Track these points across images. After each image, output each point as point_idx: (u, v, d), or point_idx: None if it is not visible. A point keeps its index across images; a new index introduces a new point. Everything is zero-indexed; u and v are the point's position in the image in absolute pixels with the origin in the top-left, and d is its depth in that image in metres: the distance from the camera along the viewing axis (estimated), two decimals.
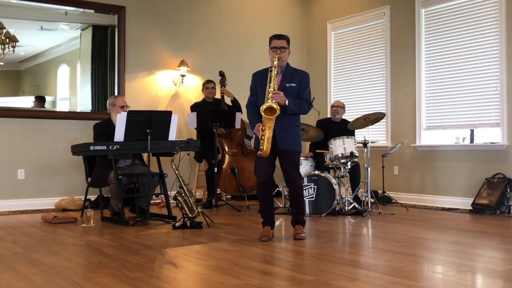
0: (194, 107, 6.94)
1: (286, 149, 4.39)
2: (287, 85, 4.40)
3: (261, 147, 4.26)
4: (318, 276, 3.19)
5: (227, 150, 6.93)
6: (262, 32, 8.15)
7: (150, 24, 7.44)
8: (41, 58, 7.03)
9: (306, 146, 7.30)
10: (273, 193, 4.88)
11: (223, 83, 7.09)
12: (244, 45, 8.16)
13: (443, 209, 6.55)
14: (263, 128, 4.25)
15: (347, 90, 8.19)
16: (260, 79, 4.47)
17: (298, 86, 4.44)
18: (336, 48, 8.43)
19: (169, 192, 5.77)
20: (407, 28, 7.30)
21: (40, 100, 6.91)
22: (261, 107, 4.21)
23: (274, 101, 4.20)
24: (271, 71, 4.32)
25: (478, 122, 6.52)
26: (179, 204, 5.02)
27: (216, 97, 7.16)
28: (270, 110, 4.19)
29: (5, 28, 6.48)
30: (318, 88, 8.44)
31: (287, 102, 4.27)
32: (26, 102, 6.88)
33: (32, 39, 6.87)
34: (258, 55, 8.02)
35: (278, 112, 4.18)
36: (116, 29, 7.17)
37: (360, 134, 6.79)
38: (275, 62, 4.32)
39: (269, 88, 4.26)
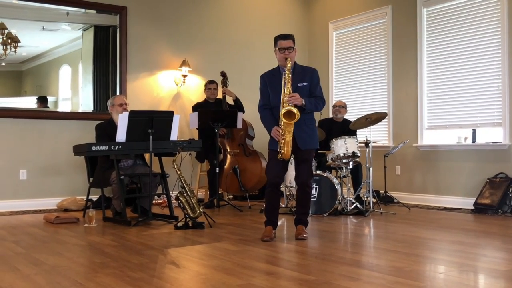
0: (196, 107, 6.94)
1: (306, 148, 4.41)
2: (299, 85, 4.38)
3: (282, 151, 4.27)
4: (320, 276, 3.18)
5: (228, 150, 6.93)
6: (264, 32, 8.17)
7: (151, 25, 7.44)
8: (43, 59, 7.04)
9: None
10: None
11: (224, 83, 7.09)
12: (245, 45, 8.16)
13: (445, 209, 6.55)
14: (283, 132, 4.25)
15: (349, 90, 8.19)
16: (269, 80, 4.47)
17: (310, 84, 4.44)
18: (337, 48, 8.43)
19: (171, 192, 5.78)
20: (408, 27, 7.30)
21: (43, 100, 6.92)
22: (280, 113, 4.22)
23: (291, 104, 4.20)
24: (284, 74, 4.30)
25: (480, 121, 6.51)
26: (181, 204, 5.02)
27: (218, 97, 7.16)
28: (289, 115, 4.18)
29: (7, 29, 6.49)
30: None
31: (304, 102, 4.28)
32: (28, 102, 6.89)
33: (34, 40, 6.88)
34: (259, 55, 8.03)
35: (297, 117, 4.17)
36: (118, 30, 7.17)
37: (362, 134, 6.79)
38: (288, 65, 4.28)
39: (286, 91, 4.25)
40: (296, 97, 4.24)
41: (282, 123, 4.23)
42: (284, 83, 4.29)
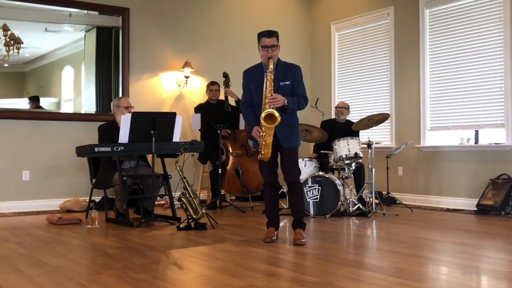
0: (198, 109, 6.95)
1: (290, 147, 4.36)
2: (281, 83, 4.29)
3: (262, 152, 4.23)
4: (322, 277, 3.18)
5: (231, 151, 6.93)
6: None
7: (154, 26, 7.45)
8: (46, 60, 7.05)
9: (310, 147, 7.30)
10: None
11: (227, 84, 7.09)
12: (248, 46, 8.14)
13: (448, 210, 6.54)
14: (263, 134, 4.18)
15: (351, 91, 8.18)
16: (252, 77, 4.40)
17: (292, 82, 4.34)
18: (340, 49, 8.43)
19: (173, 193, 5.78)
20: (411, 28, 7.29)
21: (34, 100, 6.86)
22: (261, 116, 4.13)
23: (272, 106, 4.11)
24: (266, 76, 4.21)
25: (482, 122, 6.50)
26: (184, 205, 5.03)
27: (220, 98, 7.16)
28: (270, 118, 4.10)
29: (9, 30, 6.50)
30: (322, 89, 8.44)
31: (286, 102, 4.19)
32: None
33: (37, 41, 6.89)
34: None
35: (278, 121, 4.08)
36: (120, 31, 7.19)
37: (365, 135, 6.78)
38: (271, 66, 4.19)
39: (267, 93, 4.16)
40: (277, 99, 4.14)
41: (262, 126, 4.15)
42: (266, 84, 4.19)
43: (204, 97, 7.36)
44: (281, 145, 4.32)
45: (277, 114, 4.08)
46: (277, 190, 4.50)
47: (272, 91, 4.18)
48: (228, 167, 6.84)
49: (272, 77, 4.20)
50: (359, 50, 8.08)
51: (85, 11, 7.06)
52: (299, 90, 4.36)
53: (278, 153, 4.42)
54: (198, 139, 7.06)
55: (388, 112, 7.34)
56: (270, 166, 4.39)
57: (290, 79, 4.34)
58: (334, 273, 3.28)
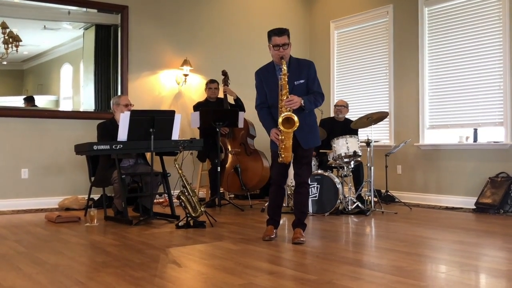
0: (197, 107, 6.94)
1: (310, 147, 4.32)
2: (295, 83, 4.21)
3: (282, 155, 4.15)
4: (321, 275, 3.19)
5: (230, 149, 6.93)
6: (265, 31, 8.04)
7: (153, 24, 7.44)
8: (44, 58, 7.04)
9: None
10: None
11: (225, 82, 7.09)
12: (247, 44, 8.16)
13: (447, 208, 6.55)
14: (282, 137, 4.10)
15: (350, 89, 8.18)
16: (264, 77, 4.32)
17: (307, 80, 4.26)
18: (339, 47, 8.42)
19: (172, 192, 5.78)
20: (410, 27, 7.29)
21: (29, 100, 6.82)
22: (279, 121, 4.04)
23: (289, 109, 4.05)
24: (280, 78, 4.12)
25: (481, 121, 6.50)
26: (182, 203, 5.03)
27: (219, 96, 7.16)
28: (288, 121, 4.02)
29: (8, 28, 6.49)
30: (321, 87, 8.41)
31: (303, 103, 4.12)
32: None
33: (35, 39, 6.88)
34: (261, 54, 8.00)
35: (296, 125, 4.01)
36: (119, 29, 7.18)
37: (363, 133, 6.79)
38: (285, 67, 4.09)
39: (283, 96, 4.09)
40: (294, 101, 4.06)
41: (281, 131, 4.08)
42: (281, 87, 4.11)
43: (203, 95, 7.35)
44: (299, 145, 4.25)
45: (295, 118, 4.01)
46: (283, 191, 4.48)
47: (287, 93, 4.09)
48: (227, 165, 6.84)
49: (287, 79, 4.12)
50: (358, 48, 8.08)
51: (84, 9, 7.06)
52: (314, 87, 4.29)
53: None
54: (197, 137, 7.06)
55: (387, 110, 7.35)
56: (282, 167, 4.32)
57: (304, 77, 4.25)
58: (333, 271, 3.29)
